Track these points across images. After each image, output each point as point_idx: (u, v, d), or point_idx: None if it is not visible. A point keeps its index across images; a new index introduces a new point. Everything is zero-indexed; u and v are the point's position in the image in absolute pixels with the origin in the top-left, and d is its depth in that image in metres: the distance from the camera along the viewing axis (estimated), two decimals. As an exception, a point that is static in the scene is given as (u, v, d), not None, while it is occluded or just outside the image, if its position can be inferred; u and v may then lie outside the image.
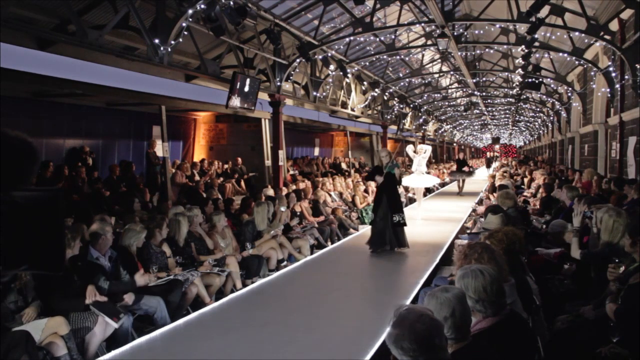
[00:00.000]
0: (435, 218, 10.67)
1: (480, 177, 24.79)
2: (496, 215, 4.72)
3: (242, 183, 11.91)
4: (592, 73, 13.13)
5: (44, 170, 8.00)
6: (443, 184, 19.44)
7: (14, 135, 1.27)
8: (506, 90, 20.31)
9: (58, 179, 8.19)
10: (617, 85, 10.82)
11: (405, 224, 7.38)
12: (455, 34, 12.16)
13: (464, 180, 16.80)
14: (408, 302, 4.91)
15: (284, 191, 9.94)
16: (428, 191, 16.98)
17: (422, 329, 1.81)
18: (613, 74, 11.00)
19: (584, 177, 9.97)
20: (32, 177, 1.30)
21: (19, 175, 1.26)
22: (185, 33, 7.86)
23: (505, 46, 14.15)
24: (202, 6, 7.29)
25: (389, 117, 21.16)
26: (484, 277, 2.44)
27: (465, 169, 17.53)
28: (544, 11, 9.27)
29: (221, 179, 11.47)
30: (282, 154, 12.19)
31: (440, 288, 2.30)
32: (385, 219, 7.25)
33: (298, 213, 8.95)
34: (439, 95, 22.23)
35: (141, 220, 5.96)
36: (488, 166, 30.45)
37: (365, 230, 9.68)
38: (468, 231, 7.90)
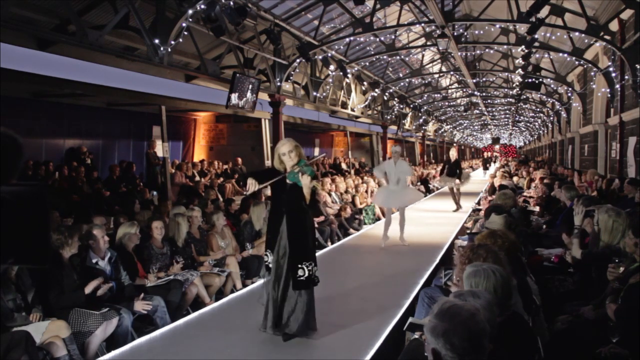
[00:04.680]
0: (435, 218, 10.66)
1: (480, 177, 24.81)
2: (500, 216, 4.71)
3: (242, 183, 11.92)
4: (592, 73, 13.13)
5: (36, 170, 8.04)
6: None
7: (0, 131, 1.28)
8: (506, 90, 20.32)
9: (48, 177, 8.23)
10: (617, 86, 10.82)
11: (316, 282, 4.00)
12: (455, 34, 12.17)
13: (458, 190, 12.14)
14: (408, 302, 4.91)
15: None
16: (428, 191, 16.99)
17: (476, 328, 1.80)
18: (613, 74, 11.00)
19: (588, 178, 9.96)
20: (17, 172, 1.32)
21: (5, 171, 1.27)
22: (185, 33, 7.87)
23: (505, 46, 14.17)
24: (202, 6, 7.30)
25: (389, 117, 21.18)
26: (495, 277, 2.41)
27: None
28: (544, 11, 9.27)
29: (221, 179, 11.48)
30: (282, 154, 12.17)
31: (477, 264, 2.47)
32: (281, 274, 3.97)
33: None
34: (439, 95, 22.25)
35: (142, 220, 5.96)
36: (485, 168, 29.86)
37: (364, 230, 9.71)
38: (468, 231, 7.89)
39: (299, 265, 3.93)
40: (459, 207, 11.82)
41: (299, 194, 3.97)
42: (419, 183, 17.59)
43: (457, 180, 11.94)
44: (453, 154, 12.61)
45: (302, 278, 3.93)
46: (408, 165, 8.11)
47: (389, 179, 7.73)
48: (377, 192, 8.49)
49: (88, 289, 4.26)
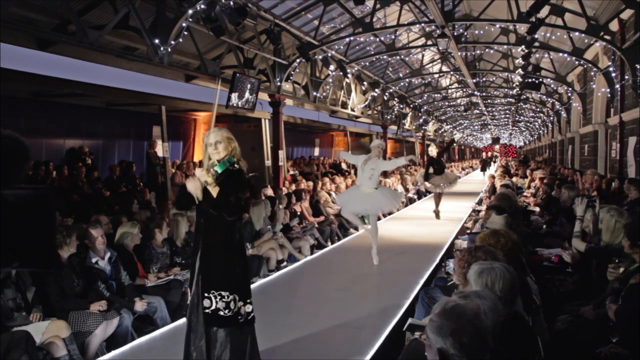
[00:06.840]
0: (435, 218, 10.64)
1: (479, 178, 24.78)
2: (500, 216, 4.70)
3: (242, 183, 11.88)
4: (592, 73, 13.13)
5: (36, 169, 8.04)
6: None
7: (6, 134, 1.28)
8: (506, 90, 20.32)
9: (48, 177, 8.23)
10: (617, 86, 10.82)
11: (239, 320, 3.00)
12: (455, 34, 12.16)
13: (440, 194, 10.61)
14: (408, 302, 4.91)
15: (284, 191, 9.94)
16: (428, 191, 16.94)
17: (481, 326, 1.82)
18: (613, 74, 11.00)
19: (588, 178, 9.94)
20: (23, 176, 1.31)
21: (11, 174, 1.27)
22: (185, 33, 7.87)
23: (505, 46, 14.16)
24: (202, 6, 7.29)
25: (389, 117, 21.18)
26: (511, 275, 2.40)
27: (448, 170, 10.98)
28: (544, 11, 9.27)
29: (221, 179, 11.46)
30: (282, 154, 12.19)
31: (484, 262, 2.47)
32: (197, 309, 3.02)
33: (298, 213, 8.95)
34: (439, 95, 22.25)
35: (140, 220, 5.95)
36: (483, 169, 29.02)
37: (364, 230, 9.66)
38: (468, 231, 7.89)
39: (206, 294, 2.94)
40: (437, 212, 10.55)
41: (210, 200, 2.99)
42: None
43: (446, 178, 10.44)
44: (432, 150, 11.18)
45: (207, 311, 2.93)
46: (387, 162, 6.82)
47: (359, 176, 6.51)
48: (345, 193, 7.17)
49: (93, 308, 4.23)
